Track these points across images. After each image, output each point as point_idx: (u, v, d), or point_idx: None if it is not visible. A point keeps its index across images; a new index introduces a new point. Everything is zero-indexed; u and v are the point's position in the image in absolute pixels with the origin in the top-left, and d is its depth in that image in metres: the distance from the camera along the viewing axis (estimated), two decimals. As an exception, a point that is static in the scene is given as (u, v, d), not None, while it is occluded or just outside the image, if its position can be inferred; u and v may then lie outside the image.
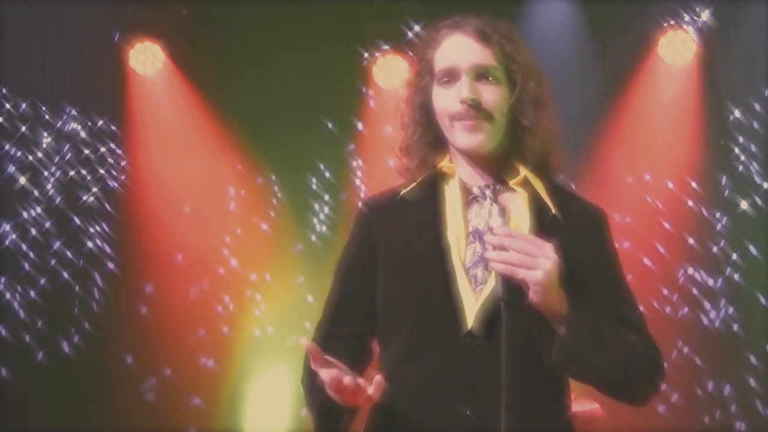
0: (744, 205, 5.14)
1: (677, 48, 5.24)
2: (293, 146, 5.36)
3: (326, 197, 5.48)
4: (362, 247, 2.20)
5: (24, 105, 5.21)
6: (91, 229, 5.29)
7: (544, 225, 2.07)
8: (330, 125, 5.42)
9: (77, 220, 5.29)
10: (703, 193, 5.22)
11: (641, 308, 2.19)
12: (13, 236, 5.22)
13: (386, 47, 5.37)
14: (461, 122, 2.08)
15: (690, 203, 5.22)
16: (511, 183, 2.12)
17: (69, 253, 5.26)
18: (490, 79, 2.09)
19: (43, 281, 5.23)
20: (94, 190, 5.30)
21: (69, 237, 5.27)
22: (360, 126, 5.46)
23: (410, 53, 2.27)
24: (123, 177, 5.36)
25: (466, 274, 2.06)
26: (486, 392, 1.97)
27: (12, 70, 5.16)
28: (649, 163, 5.27)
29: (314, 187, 5.48)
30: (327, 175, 5.49)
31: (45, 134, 5.27)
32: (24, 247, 5.23)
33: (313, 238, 5.46)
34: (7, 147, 5.23)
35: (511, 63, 2.10)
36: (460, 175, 2.16)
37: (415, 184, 2.18)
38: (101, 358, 5.25)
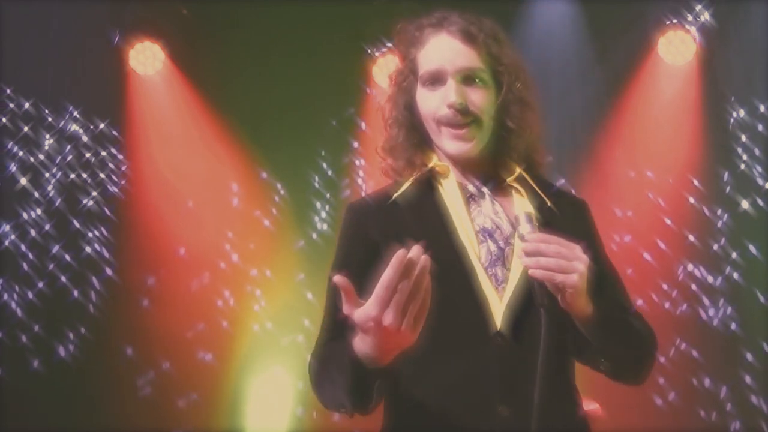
0: (745, 204, 5.15)
1: (677, 48, 5.24)
2: (293, 146, 5.37)
3: (327, 196, 5.49)
4: (361, 247, 2.10)
5: (26, 105, 5.22)
6: (90, 234, 5.30)
7: (544, 219, 2.08)
8: (330, 125, 5.43)
9: (77, 223, 5.29)
10: (704, 191, 5.22)
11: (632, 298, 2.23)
12: (13, 237, 5.22)
13: (386, 47, 5.37)
14: (449, 129, 2.06)
15: (691, 200, 5.22)
16: (509, 180, 2.12)
17: (67, 257, 5.27)
18: (477, 81, 2.07)
19: (41, 285, 5.23)
20: (94, 194, 5.31)
21: (68, 239, 5.27)
22: (360, 125, 5.47)
23: (394, 51, 2.22)
24: (123, 182, 5.36)
25: (486, 273, 2.04)
26: (520, 392, 1.96)
27: (12, 70, 5.16)
28: (649, 162, 5.27)
29: (316, 185, 5.49)
30: (328, 174, 5.50)
31: (44, 134, 5.27)
32: (23, 247, 5.24)
33: (314, 236, 5.47)
34: (9, 146, 5.23)
35: (497, 64, 2.09)
36: (453, 174, 2.15)
37: (407, 185, 2.14)
38: (101, 351, 5.26)
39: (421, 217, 2.10)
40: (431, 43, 2.10)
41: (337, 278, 1.72)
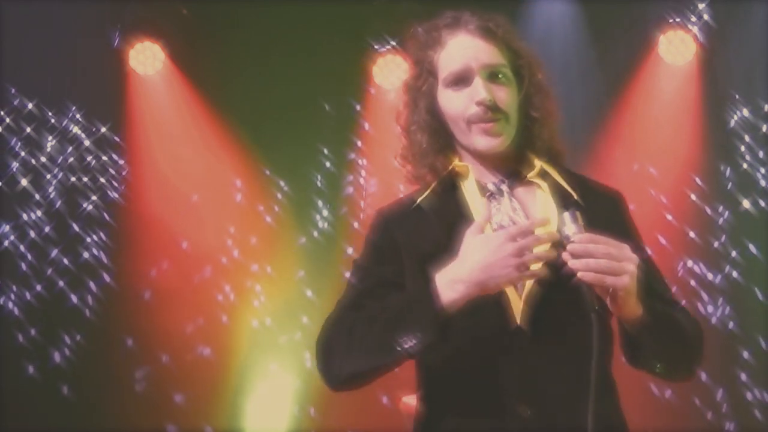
0: (746, 204, 5.15)
1: (677, 48, 5.24)
2: (293, 146, 5.37)
3: (328, 195, 5.50)
4: (386, 250, 2.13)
5: (28, 105, 5.22)
6: (89, 239, 5.30)
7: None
8: (330, 124, 5.43)
9: (76, 227, 5.30)
10: (705, 190, 5.23)
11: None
12: (12, 237, 5.22)
13: (386, 47, 5.37)
14: (479, 125, 2.05)
15: (693, 197, 5.22)
16: (530, 176, 2.10)
17: (66, 260, 5.27)
18: (500, 77, 2.06)
19: (39, 288, 5.24)
20: (94, 198, 5.31)
21: (67, 243, 5.28)
22: (360, 125, 5.48)
23: (407, 56, 2.19)
24: (123, 187, 5.36)
25: None
26: (542, 392, 1.94)
27: (11, 70, 5.16)
28: (650, 161, 5.27)
29: (318, 184, 5.49)
30: (329, 173, 5.51)
31: (42, 134, 5.27)
32: (22, 248, 5.24)
33: (315, 234, 5.47)
34: (10, 146, 5.24)
35: (517, 58, 2.09)
36: (472, 173, 2.13)
37: (429, 190, 2.13)
38: (100, 344, 5.28)
39: (443, 219, 2.08)
40: (451, 43, 2.08)
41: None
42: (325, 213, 5.49)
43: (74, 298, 5.29)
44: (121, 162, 5.37)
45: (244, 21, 5.28)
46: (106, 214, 5.33)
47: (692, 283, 5.18)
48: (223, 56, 5.32)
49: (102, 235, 5.33)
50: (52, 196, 5.28)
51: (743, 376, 5.09)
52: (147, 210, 5.39)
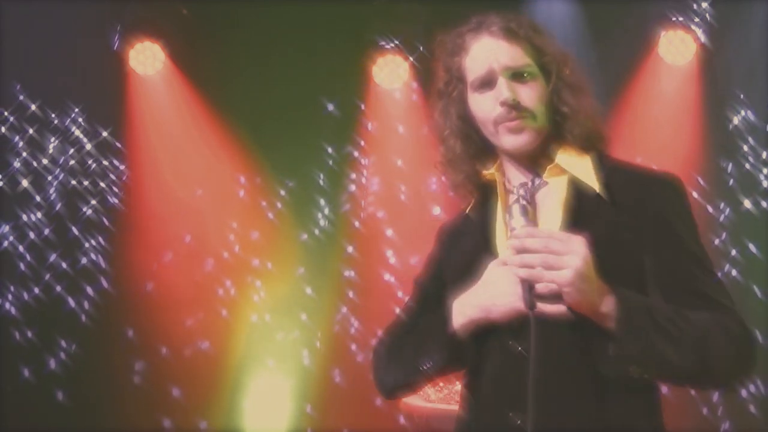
0: (747, 203, 5.16)
1: (677, 48, 5.24)
2: (294, 146, 5.38)
3: (330, 193, 5.51)
4: (433, 264, 2.24)
5: (28, 106, 5.23)
6: (87, 244, 5.31)
7: (585, 208, 2.00)
8: (330, 124, 5.44)
9: (75, 230, 5.30)
10: (706, 189, 5.23)
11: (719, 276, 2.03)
12: (11, 238, 5.23)
13: (386, 47, 5.37)
14: (504, 125, 2.04)
15: (694, 194, 5.23)
16: (545, 176, 2.08)
17: (64, 265, 5.28)
18: (525, 76, 2.05)
19: (37, 290, 5.25)
20: (93, 202, 5.32)
21: (66, 246, 5.29)
22: (361, 125, 5.48)
23: (437, 62, 2.17)
24: (122, 193, 5.37)
25: None
26: (538, 402, 1.90)
27: (11, 70, 5.16)
28: (650, 160, 5.27)
29: (321, 182, 5.50)
30: (330, 173, 5.51)
31: (37, 134, 5.28)
32: (21, 248, 5.25)
33: (316, 232, 5.48)
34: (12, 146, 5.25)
35: (542, 55, 2.07)
36: (509, 176, 2.13)
37: (474, 200, 2.16)
38: (100, 336, 5.31)
39: (476, 230, 2.12)
40: (475, 47, 2.08)
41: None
42: (327, 211, 5.50)
43: (72, 301, 5.29)
44: (122, 167, 5.37)
45: (244, 21, 5.28)
46: (105, 219, 5.34)
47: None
48: (223, 56, 5.33)
49: (101, 239, 5.33)
50: (52, 198, 5.29)
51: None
52: (148, 206, 5.40)
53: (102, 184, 5.36)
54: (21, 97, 5.25)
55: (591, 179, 2.03)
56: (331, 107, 5.45)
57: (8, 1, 5.04)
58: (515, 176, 2.12)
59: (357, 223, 5.48)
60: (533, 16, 5.47)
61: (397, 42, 5.32)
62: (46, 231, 5.28)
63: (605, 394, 1.92)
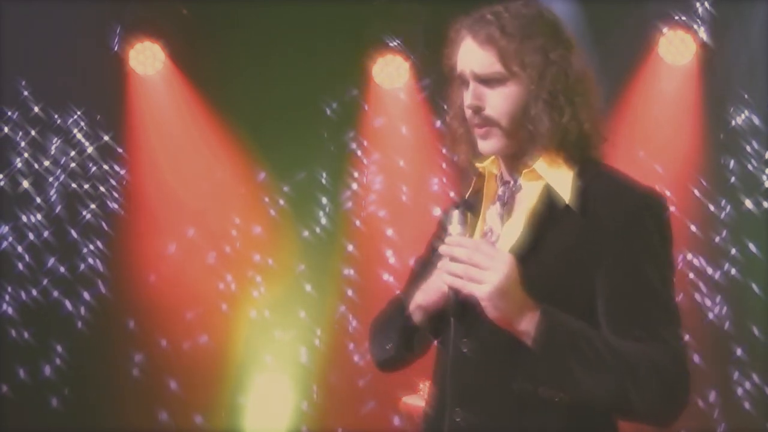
0: (748, 203, 5.16)
1: (677, 48, 5.23)
2: (294, 146, 5.39)
3: (332, 192, 5.52)
4: (428, 247, 2.24)
5: (23, 107, 5.24)
6: (85, 249, 5.32)
7: (551, 218, 1.98)
8: (330, 124, 5.45)
9: (74, 234, 5.31)
10: (707, 188, 5.24)
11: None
12: (10, 239, 5.23)
13: (386, 47, 5.38)
14: (473, 128, 2.06)
15: (696, 192, 5.23)
16: (521, 179, 2.06)
17: (62, 269, 5.28)
18: (495, 82, 2.03)
19: (34, 292, 5.26)
20: (92, 206, 5.33)
21: (65, 249, 5.30)
22: (361, 125, 5.49)
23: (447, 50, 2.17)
24: (122, 199, 5.38)
25: None
26: (475, 401, 1.96)
27: (11, 70, 5.16)
28: (651, 160, 5.28)
29: (324, 181, 5.51)
30: (331, 172, 5.52)
31: (35, 134, 5.28)
32: (19, 249, 5.25)
33: (318, 230, 5.48)
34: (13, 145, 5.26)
35: (517, 63, 2.01)
36: (501, 169, 2.14)
37: (473, 186, 2.19)
38: (100, 327, 5.33)
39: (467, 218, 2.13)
40: (461, 46, 2.09)
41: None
42: (328, 210, 5.50)
43: (69, 304, 5.30)
44: (122, 172, 5.38)
45: (244, 21, 5.28)
46: (104, 223, 5.35)
47: (691, 275, 5.20)
48: (223, 56, 5.33)
49: (99, 244, 5.35)
50: (52, 199, 5.29)
51: (736, 374, 5.10)
52: (149, 206, 5.40)
53: (102, 189, 5.35)
54: (21, 97, 5.24)
55: (565, 189, 1.99)
56: (331, 107, 5.45)
57: (8, 1, 5.04)
58: (505, 172, 2.13)
59: (358, 222, 5.48)
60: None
61: (397, 42, 5.32)
62: (46, 233, 5.28)
63: (522, 407, 1.92)
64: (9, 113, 5.26)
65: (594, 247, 1.93)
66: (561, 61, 2.06)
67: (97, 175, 5.36)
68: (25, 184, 5.27)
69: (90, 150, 5.36)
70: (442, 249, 1.90)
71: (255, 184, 5.53)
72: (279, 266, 5.51)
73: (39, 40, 5.07)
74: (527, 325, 1.86)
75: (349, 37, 5.28)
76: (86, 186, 5.35)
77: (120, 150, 5.41)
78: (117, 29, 5.26)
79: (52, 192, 5.29)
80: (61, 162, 5.31)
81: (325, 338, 5.35)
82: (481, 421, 1.94)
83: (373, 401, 5.22)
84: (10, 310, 5.23)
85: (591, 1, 5.23)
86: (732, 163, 5.20)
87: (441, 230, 2.21)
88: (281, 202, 5.53)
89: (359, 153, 5.52)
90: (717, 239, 5.20)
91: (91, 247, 5.34)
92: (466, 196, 2.19)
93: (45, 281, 5.27)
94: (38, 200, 5.29)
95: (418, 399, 4.69)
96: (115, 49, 5.30)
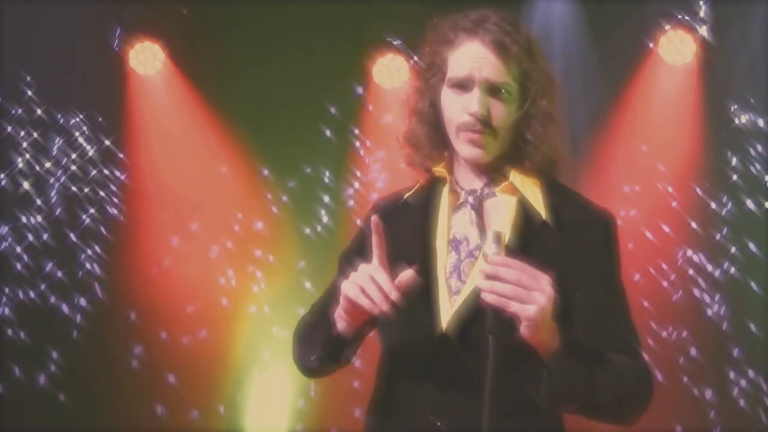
0: (750, 204, 5.16)
1: (677, 48, 5.23)
2: (294, 146, 5.38)
3: (334, 191, 5.52)
4: (362, 243, 2.17)
5: (23, 107, 5.23)
6: (86, 253, 5.33)
7: (531, 232, 2.03)
8: (330, 124, 5.45)
9: (73, 237, 5.31)
10: (707, 188, 5.24)
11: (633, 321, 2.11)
12: (9, 240, 5.23)
13: (386, 47, 5.37)
14: (466, 133, 2.05)
15: (698, 190, 5.24)
16: (497, 190, 2.09)
17: (60, 274, 5.29)
18: (502, 93, 2.04)
19: (32, 294, 5.26)
20: (92, 211, 5.33)
21: (64, 253, 5.31)
22: (361, 124, 5.49)
23: (424, 43, 2.17)
24: (123, 198, 5.38)
25: (446, 282, 2.04)
26: (460, 405, 1.96)
27: (11, 70, 5.16)
28: (650, 161, 5.28)
29: (326, 180, 5.51)
30: (330, 170, 5.52)
31: (36, 134, 5.28)
32: (18, 249, 5.25)
33: (319, 228, 5.48)
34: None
35: (525, 79, 2.06)
36: (457, 176, 2.14)
37: (417, 187, 2.17)
38: (102, 318, 5.33)
39: (414, 221, 2.13)
40: (463, 48, 2.06)
41: (374, 219, 1.97)
42: (330, 208, 5.51)
43: (70, 301, 5.31)
44: (122, 177, 5.38)
45: (244, 21, 5.28)
46: (103, 228, 5.35)
47: (690, 271, 5.20)
48: (223, 56, 5.32)
49: (97, 248, 5.36)
50: (53, 201, 5.29)
51: (732, 374, 5.11)
52: (149, 206, 5.40)
53: (102, 193, 5.36)
54: (24, 98, 5.24)
55: (540, 205, 2.06)
56: (332, 107, 5.45)
57: (8, 1, 5.03)
58: (464, 179, 2.13)
59: (358, 221, 5.48)
60: (533, 17, 5.49)
61: (397, 42, 5.32)
62: (45, 236, 5.28)
63: (531, 414, 2.01)
64: (13, 111, 5.24)
65: (571, 264, 2.01)
66: (553, 84, 2.12)
67: (97, 179, 5.36)
68: (26, 185, 5.27)
69: (91, 152, 5.35)
70: (484, 269, 1.86)
71: (256, 182, 5.52)
72: (279, 263, 5.50)
73: (39, 40, 5.06)
74: (553, 344, 1.92)
75: (349, 37, 5.28)
76: (86, 189, 5.34)
77: (120, 154, 5.40)
78: (117, 29, 5.26)
79: (53, 194, 5.29)
80: (62, 162, 5.30)
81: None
82: (465, 426, 1.95)
83: (357, 410, 5.24)
84: (7, 311, 5.22)
85: (591, 1, 5.23)
86: (733, 161, 5.20)
87: (367, 229, 2.17)
88: (284, 198, 5.52)
89: (362, 152, 5.52)
90: (717, 236, 5.20)
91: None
92: (405, 197, 2.18)
93: (45, 277, 5.26)
94: (39, 202, 5.28)
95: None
96: (115, 49, 5.29)
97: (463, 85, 2.06)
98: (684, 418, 5.09)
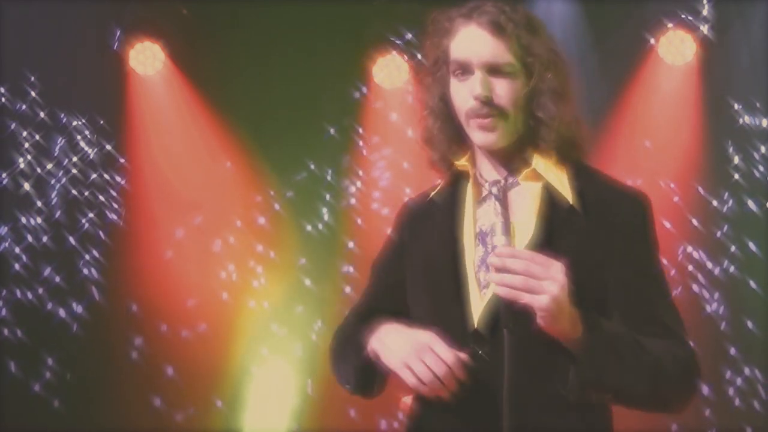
0: (751, 204, 5.17)
1: (677, 48, 5.23)
2: (294, 146, 5.39)
3: (336, 189, 5.52)
4: (394, 247, 2.20)
5: (24, 107, 5.23)
6: (83, 259, 5.33)
7: (558, 218, 2.00)
8: (331, 124, 5.46)
9: (72, 240, 5.32)
10: (707, 187, 5.25)
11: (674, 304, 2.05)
12: (8, 242, 5.24)
13: (386, 47, 5.38)
14: (475, 120, 2.02)
15: (700, 189, 5.24)
16: (520, 178, 2.06)
17: (58, 278, 5.29)
18: (504, 73, 2.01)
19: (30, 295, 5.27)
20: (91, 215, 5.33)
21: (63, 256, 5.31)
22: (361, 124, 5.50)
23: (424, 39, 2.14)
24: (122, 200, 5.38)
25: (475, 276, 2.01)
26: (486, 399, 1.93)
27: (11, 70, 5.16)
28: (650, 161, 5.28)
29: (329, 178, 5.51)
30: (333, 171, 5.53)
31: (36, 134, 5.28)
32: (17, 250, 5.26)
33: (320, 226, 5.49)
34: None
35: (526, 55, 2.02)
36: (480, 169, 2.11)
37: (442, 184, 2.15)
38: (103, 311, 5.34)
39: (441, 217, 2.11)
40: (460, 33, 2.05)
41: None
42: (331, 206, 5.51)
43: (71, 301, 5.31)
44: (122, 182, 5.38)
45: (244, 21, 5.28)
46: (101, 232, 5.36)
47: (690, 268, 5.21)
48: (223, 56, 5.33)
49: (95, 253, 5.36)
50: (53, 203, 5.29)
51: (729, 374, 5.12)
52: (150, 207, 5.41)
53: (102, 198, 5.36)
54: (27, 98, 5.24)
55: (566, 189, 2.02)
56: (333, 107, 5.45)
57: (8, 1, 5.04)
58: (487, 171, 2.10)
59: (359, 220, 5.48)
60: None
61: (397, 42, 5.32)
62: (44, 238, 5.28)
63: (566, 410, 1.95)
64: (17, 107, 5.24)
65: (602, 247, 1.97)
66: (559, 58, 2.08)
67: (97, 183, 5.36)
68: (27, 186, 5.27)
69: (92, 155, 5.35)
70: (492, 261, 1.84)
71: (256, 181, 5.52)
72: (280, 259, 5.51)
73: (39, 40, 5.06)
74: (575, 332, 1.88)
75: (349, 37, 5.28)
76: (86, 193, 5.34)
77: (122, 159, 5.40)
78: (117, 29, 5.26)
79: (54, 195, 5.29)
80: (63, 163, 5.30)
81: (321, 334, 5.34)
82: (494, 422, 1.92)
83: (352, 411, 5.25)
84: (4, 311, 5.23)
85: (591, 1, 5.23)
86: (735, 160, 5.20)
87: (402, 229, 2.19)
88: (287, 194, 5.52)
89: (364, 151, 5.52)
90: (718, 234, 5.20)
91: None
92: (431, 195, 2.16)
93: (43, 277, 5.27)
94: (39, 203, 5.29)
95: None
96: (115, 49, 5.29)
97: (465, 70, 2.04)
98: (679, 415, 5.10)
